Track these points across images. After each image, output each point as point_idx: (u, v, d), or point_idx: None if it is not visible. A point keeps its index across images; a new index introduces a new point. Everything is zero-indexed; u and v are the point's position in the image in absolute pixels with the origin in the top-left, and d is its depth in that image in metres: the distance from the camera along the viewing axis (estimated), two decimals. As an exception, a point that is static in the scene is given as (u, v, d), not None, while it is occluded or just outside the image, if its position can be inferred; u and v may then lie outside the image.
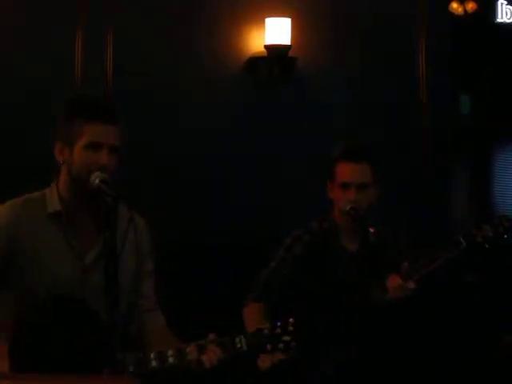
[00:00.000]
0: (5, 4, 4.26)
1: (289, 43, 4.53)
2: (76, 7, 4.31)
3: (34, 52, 4.26)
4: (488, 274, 4.35)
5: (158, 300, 2.73)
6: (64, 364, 2.34)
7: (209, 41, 4.53)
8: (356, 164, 3.20)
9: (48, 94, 4.10)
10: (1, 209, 2.55)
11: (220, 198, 4.44)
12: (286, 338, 2.49)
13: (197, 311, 4.02)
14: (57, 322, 2.38)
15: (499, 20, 5.22)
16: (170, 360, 2.43)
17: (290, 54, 4.56)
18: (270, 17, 4.54)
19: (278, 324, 2.50)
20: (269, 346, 2.50)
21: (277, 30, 4.52)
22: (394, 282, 3.07)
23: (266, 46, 4.53)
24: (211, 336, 2.49)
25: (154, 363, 2.42)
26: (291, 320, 2.50)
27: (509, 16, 5.22)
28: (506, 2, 5.22)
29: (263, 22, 4.55)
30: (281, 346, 2.49)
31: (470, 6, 5.06)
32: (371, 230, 3.07)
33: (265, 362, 2.97)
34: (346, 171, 3.20)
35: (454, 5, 5.06)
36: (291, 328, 2.49)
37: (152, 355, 2.42)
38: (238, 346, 2.48)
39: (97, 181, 2.44)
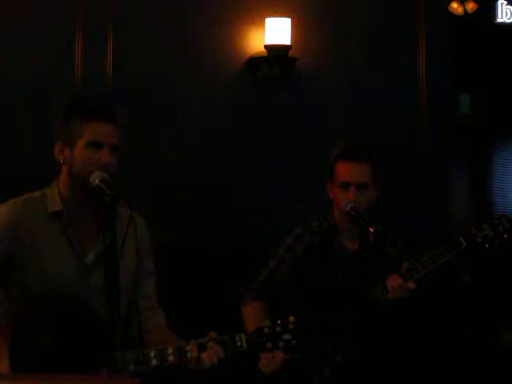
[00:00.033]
0: (4, 4, 4.26)
1: (289, 43, 4.53)
2: (76, 6, 4.31)
3: (33, 52, 4.25)
4: (487, 273, 4.35)
5: (158, 300, 2.73)
6: (63, 364, 2.34)
7: (209, 40, 4.53)
8: (355, 164, 3.20)
9: (48, 94, 4.10)
10: (1, 208, 2.56)
11: (220, 198, 4.44)
12: (287, 336, 2.49)
13: (196, 311, 4.02)
14: (56, 321, 2.38)
15: (499, 20, 5.22)
16: (170, 358, 2.43)
17: (290, 53, 4.56)
18: (270, 17, 4.54)
19: (279, 322, 2.51)
20: (269, 345, 2.50)
21: (277, 30, 4.52)
22: (393, 282, 3.07)
23: (266, 46, 4.53)
24: (211, 334, 2.49)
25: (154, 361, 2.42)
26: (291, 318, 2.50)
27: (509, 16, 5.22)
28: (505, 2, 5.22)
29: (263, 22, 4.55)
30: (281, 344, 2.50)
31: (470, 6, 5.07)
32: (371, 230, 3.07)
33: (266, 365, 2.97)
34: (346, 171, 3.21)
35: (454, 5, 5.06)
36: (291, 326, 2.50)
37: (152, 353, 2.43)
38: (238, 344, 2.48)
39: (97, 181, 2.45)
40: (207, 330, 2.53)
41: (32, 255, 2.51)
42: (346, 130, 4.51)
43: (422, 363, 3.61)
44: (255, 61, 4.57)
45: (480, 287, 4.00)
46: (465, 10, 5.05)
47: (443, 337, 4.34)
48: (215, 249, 4.34)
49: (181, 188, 4.39)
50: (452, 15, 5.04)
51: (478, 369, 4.27)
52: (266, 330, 2.51)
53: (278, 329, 2.50)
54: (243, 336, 2.49)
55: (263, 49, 4.54)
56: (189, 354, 2.45)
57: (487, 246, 3.14)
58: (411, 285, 3.07)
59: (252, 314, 3.21)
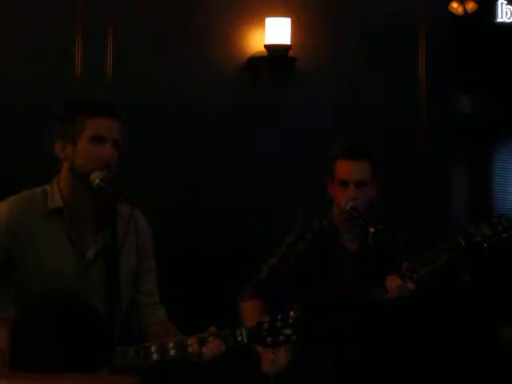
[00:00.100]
0: (4, 4, 4.27)
1: (289, 43, 4.53)
2: (76, 7, 4.31)
3: (33, 52, 4.26)
4: (487, 273, 4.35)
5: (159, 296, 2.74)
6: (63, 363, 2.34)
7: (209, 40, 4.54)
8: (355, 162, 3.22)
9: (48, 94, 4.11)
10: (1, 206, 2.56)
11: (220, 198, 4.44)
12: (287, 331, 2.50)
13: (196, 311, 4.02)
14: (56, 320, 2.38)
15: (499, 20, 5.22)
16: (171, 353, 2.45)
17: (290, 53, 4.56)
18: (269, 16, 4.54)
19: (279, 317, 2.51)
20: (269, 339, 2.51)
21: (277, 30, 4.52)
22: (393, 283, 3.07)
23: (266, 46, 4.53)
24: (211, 328, 2.50)
25: (155, 356, 2.44)
26: (292, 313, 2.51)
27: (509, 16, 5.22)
28: (505, 2, 5.22)
29: (263, 22, 4.55)
30: (281, 338, 2.50)
31: (470, 6, 5.06)
32: (371, 230, 3.07)
33: (268, 367, 2.98)
34: (345, 169, 3.22)
35: (454, 5, 5.06)
36: (292, 321, 2.50)
37: (153, 348, 2.44)
38: (239, 338, 2.50)
39: (97, 180, 2.46)
40: (205, 327, 2.53)
41: (32, 252, 2.51)
42: (346, 130, 4.51)
43: (421, 362, 3.61)
44: (255, 61, 4.57)
45: (480, 286, 4.00)
46: (465, 10, 5.05)
47: (443, 336, 4.34)
48: (215, 249, 4.35)
49: (181, 188, 4.40)
50: (452, 15, 5.04)
51: (477, 367, 4.28)
52: (266, 324, 2.51)
53: (279, 324, 2.51)
54: (244, 330, 2.51)
55: (263, 49, 4.54)
56: (190, 349, 2.46)
57: (485, 245, 3.14)
58: (410, 285, 3.07)
59: (251, 311, 3.22)
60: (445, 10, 5.00)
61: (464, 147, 5.26)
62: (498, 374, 4.28)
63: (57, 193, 2.57)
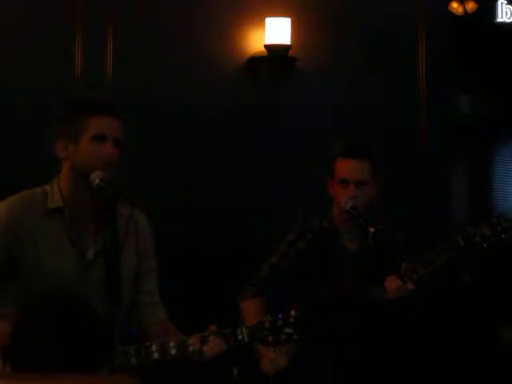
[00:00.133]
0: (4, 4, 4.27)
1: (289, 43, 4.53)
2: (76, 7, 4.31)
3: (33, 52, 4.26)
4: (487, 273, 4.35)
5: (160, 296, 2.74)
6: (63, 363, 2.34)
7: (209, 40, 4.54)
8: (355, 161, 3.22)
9: (48, 94, 4.11)
10: (1, 205, 2.57)
11: (220, 198, 4.44)
12: (288, 330, 2.50)
13: (196, 311, 4.02)
14: (56, 320, 2.38)
15: (499, 20, 5.22)
16: (172, 352, 2.45)
17: (290, 53, 4.56)
18: (270, 17, 4.54)
19: (280, 316, 2.51)
20: (270, 338, 2.51)
21: (277, 30, 4.52)
22: (393, 283, 3.07)
23: (266, 46, 4.53)
24: (212, 327, 2.51)
25: (156, 355, 2.44)
26: (293, 312, 2.51)
27: (509, 16, 5.22)
28: (505, 2, 5.22)
29: (263, 22, 4.55)
30: (283, 337, 2.50)
31: (470, 6, 5.06)
32: (371, 230, 3.07)
33: (268, 366, 2.98)
34: (345, 168, 3.23)
35: (454, 5, 5.06)
36: (293, 320, 2.50)
37: (154, 347, 2.45)
38: (240, 337, 2.50)
39: (97, 180, 2.46)
40: (206, 326, 2.54)
41: (32, 251, 2.51)
42: (346, 130, 4.51)
43: (421, 362, 3.61)
44: (255, 61, 4.57)
45: (480, 287, 4.00)
46: (465, 10, 5.05)
47: (443, 336, 4.34)
48: (215, 249, 4.35)
49: (181, 188, 4.40)
50: (452, 15, 5.04)
51: (477, 367, 4.28)
52: (267, 323, 2.52)
53: (280, 323, 2.51)
54: (244, 329, 2.51)
55: (263, 49, 4.54)
56: (191, 348, 2.46)
57: (485, 245, 3.14)
58: (410, 286, 3.07)
59: (251, 310, 3.22)
60: (445, 10, 5.00)
61: (464, 147, 5.26)
62: (498, 373, 4.28)
63: (57, 192, 2.57)
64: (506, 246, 3.20)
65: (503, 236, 3.15)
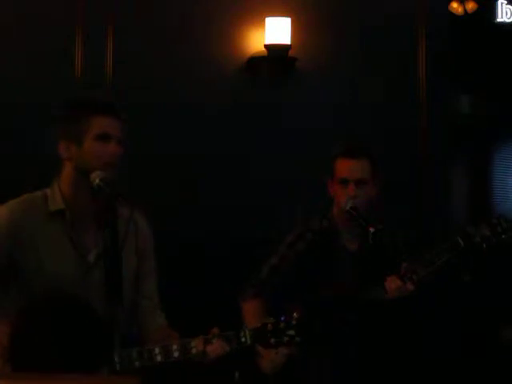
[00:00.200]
0: (4, 4, 4.27)
1: (289, 43, 4.53)
2: (76, 7, 4.31)
3: (33, 52, 4.26)
4: (487, 273, 4.35)
5: (159, 300, 2.74)
6: (64, 363, 2.34)
7: (209, 40, 4.54)
8: (355, 160, 3.22)
9: (48, 94, 4.11)
10: (2, 209, 2.56)
11: (220, 198, 4.44)
12: (291, 332, 2.50)
13: (196, 311, 4.03)
14: (56, 321, 2.39)
15: (499, 20, 5.22)
16: (175, 354, 2.45)
17: (290, 53, 4.56)
18: (269, 16, 4.55)
19: (282, 319, 2.52)
20: (273, 340, 2.51)
21: (277, 30, 4.52)
22: (393, 283, 3.07)
23: (266, 46, 4.53)
24: (214, 330, 2.51)
25: (158, 358, 2.44)
26: (295, 315, 2.51)
27: (509, 16, 5.22)
28: (505, 2, 5.22)
29: (263, 22, 4.55)
30: (285, 339, 2.51)
31: (470, 6, 5.06)
32: (371, 230, 3.07)
33: (267, 365, 2.98)
34: (345, 167, 3.23)
35: (454, 5, 5.06)
36: (295, 322, 2.50)
37: (157, 350, 2.45)
38: (243, 339, 2.50)
39: (97, 180, 2.46)
40: (208, 329, 2.53)
41: (33, 255, 2.51)
42: (346, 130, 4.51)
43: (420, 362, 3.61)
44: (255, 60, 4.57)
45: (480, 286, 4.00)
46: (465, 10, 5.05)
47: (443, 336, 4.34)
48: (215, 249, 4.35)
49: (181, 188, 4.40)
50: (452, 15, 5.04)
51: (477, 366, 4.28)
52: (269, 326, 2.52)
53: (282, 325, 2.52)
54: (247, 332, 2.51)
55: (263, 48, 4.54)
56: (193, 350, 2.46)
57: (485, 246, 3.14)
58: (410, 286, 3.07)
59: (252, 311, 3.22)
60: (445, 10, 5.00)
61: (464, 147, 5.26)
62: (498, 373, 4.28)
63: (58, 195, 2.57)
64: (506, 246, 3.20)
65: (503, 236, 3.15)
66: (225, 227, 4.39)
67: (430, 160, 4.74)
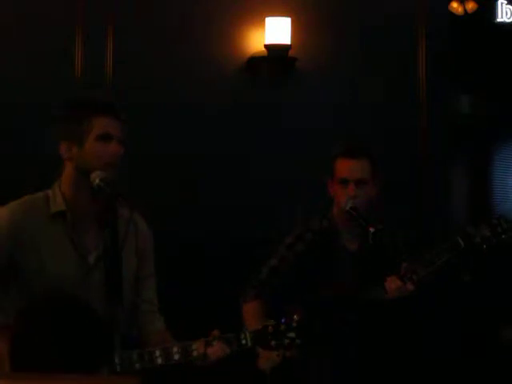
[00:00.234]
0: (4, 4, 4.27)
1: (289, 43, 4.53)
2: (76, 7, 4.31)
3: (33, 52, 4.26)
4: (487, 273, 4.35)
5: (158, 302, 2.73)
6: (64, 363, 2.34)
7: (209, 40, 4.54)
8: (354, 160, 3.22)
9: (48, 94, 4.11)
10: (3, 210, 2.56)
11: (220, 198, 4.44)
12: (291, 334, 2.50)
13: (196, 311, 4.03)
14: (56, 321, 2.39)
15: (499, 20, 5.21)
16: (176, 357, 2.45)
17: (290, 53, 4.56)
18: (269, 16, 4.55)
19: (283, 321, 2.52)
20: (273, 343, 2.51)
21: (277, 30, 4.52)
22: (393, 283, 3.07)
23: (266, 46, 4.53)
24: (215, 332, 2.51)
25: (159, 360, 2.44)
26: (295, 317, 2.51)
27: (509, 16, 5.21)
28: (505, 2, 5.21)
29: (263, 22, 4.55)
30: (286, 341, 2.51)
31: (470, 6, 5.06)
32: (371, 230, 3.07)
33: (265, 363, 2.98)
34: (345, 167, 3.23)
35: (454, 5, 5.06)
36: (295, 325, 2.50)
37: (157, 352, 2.45)
38: (243, 341, 2.50)
39: (97, 180, 2.46)
40: (207, 330, 2.54)
41: (34, 256, 2.51)
42: (346, 130, 4.51)
43: (420, 362, 3.61)
44: (255, 60, 4.57)
45: (480, 286, 4.00)
46: (465, 10, 5.05)
47: (443, 336, 4.34)
48: (215, 249, 4.35)
49: (181, 188, 4.40)
50: (452, 15, 5.03)
51: (477, 367, 4.27)
52: (270, 328, 2.52)
53: (283, 327, 2.52)
54: (248, 334, 2.52)
55: (263, 48, 4.54)
56: (194, 353, 2.46)
57: (485, 246, 3.14)
58: (410, 286, 3.07)
59: (252, 312, 3.22)
60: (445, 10, 5.00)
61: (464, 147, 5.26)
62: (498, 373, 4.27)
63: (59, 196, 2.57)
64: (506, 246, 3.20)
65: (503, 237, 3.15)
66: (225, 227, 4.39)
67: (430, 160, 4.74)
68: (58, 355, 2.35)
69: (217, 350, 2.47)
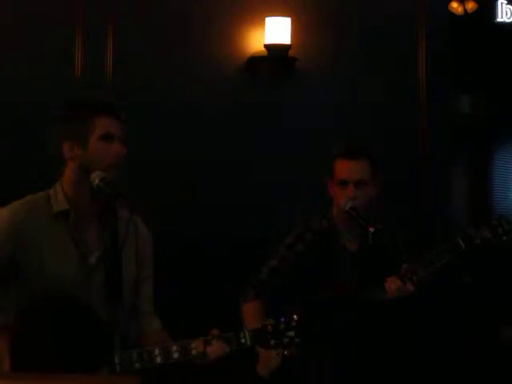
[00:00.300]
0: (4, 4, 4.27)
1: (289, 43, 4.53)
2: (76, 7, 4.31)
3: (34, 52, 4.26)
4: (487, 273, 4.35)
5: (157, 303, 2.74)
6: (63, 363, 2.34)
7: (209, 40, 4.54)
8: (354, 161, 3.22)
9: (48, 93, 4.11)
10: (4, 211, 2.56)
11: (220, 198, 4.44)
12: (291, 333, 2.51)
13: (196, 311, 4.03)
14: (56, 321, 2.39)
15: (499, 20, 5.21)
16: (175, 355, 2.45)
17: (290, 53, 4.56)
18: (269, 16, 4.55)
19: (282, 320, 2.52)
20: (273, 342, 2.51)
21: (277, 30, 4.52)
22: (393, 284, 3.07)
23: (266, 46, 4.53)
24: (214, 331, 2.51)
25: (158, 359, 2.44)
26: (295, 316, 2.51)
27: (509, 16, 5.22)
28: (505, 2, 5.22)
29: (263, 22, 4.55)
30: (285, 341, 2.51)
31: (470, 6, 5.06)
32: (371, 230, 3.07)
33: (264, 369, 2.98)
34: (344, 168, 3.22)
35: (454, 4, 5.06)
36: (295, 324, 2.51)
37: (156, 351, 2.45)
38: (243, 340, 2.50)
39: (96, 180, 2.46)
40: (207, 330, 2.54)
41: (35, 256, 2.51)
42: (346, 130, 4.51)
43: (420, 362, 3.61)
44: (255, 60, 4.57)
45: (480, 287, 4.00)
46: (465, 10, 5.05)
47: (443, 336, 4.34)
48: (215, 249, 4.35)
49: (181, 188, 4.39)
50: (452, 15, 5.04)
51: (477, 367, 4.28)
52: (269, 327, 2.52)
53: (282, 326, 2.52)
54: (247, 333, 2.52)
55: (263, 48, 4.55)
56: (193, 351, 2.47)
57: (485, 247, 3.13)
58: (410, 287, 3.07)
59: (251, 312, 3.22)
60: (445, 10, 5.00)
61: (464, 147, 5.26)
62: (498, 373, 4.28)
63: (61, 195, 2.57)
64: (506, 246, 3.20)
65: (504, 238, 3.15)
66: (225, 227, 4.39)
67: (430, 160, 4.74)
68: (58, 355, 2.35)
69: (216, 348, 2.47)
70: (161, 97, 4.41)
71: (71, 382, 2.02)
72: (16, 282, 2.52)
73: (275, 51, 4.53)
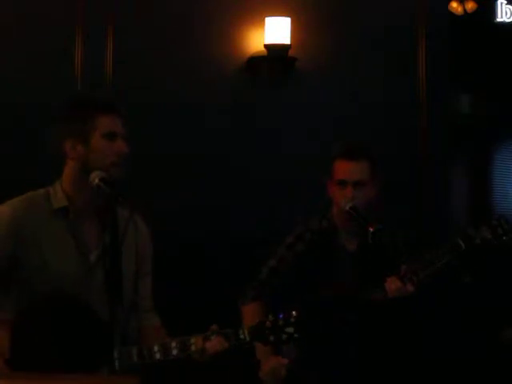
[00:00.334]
0: (4, 4, 4.27)
1: (288, 43, 4.53)
2: (76, 7, 4.31)
3: (34, 52, 4.26)
4: (487, 273, 4.35)
5: (157, 302, 2.74)
6: (64, 363, 2.34)
7: (209, 40, 4.54)
8: (353, 162, 3.22)
9: (48, 93, 4.10)
10: (4, 207, 2.56)
11: (219, 198, 4.44)
12: (289, 329, 2.51)
13: (196, 311, 4.02)
14: (56, 321, 2.39)
15: (499, 20, 5.21)
16: (174, 352, 2.46)
17: (290, 53, 4.56)
18: (269, 16, 4.54)
19: (281, 316, 2.52)
20: (272, 338, 2.51)
21: (277, 30, 4.52)
22: (392, 284, 3.07)
23: (266, 46, 4.53)
24: (213, 327, 2.51)
25: (157, 355, 2.45)
26: (294, 313, 2.52)
27: (509, 16, 5.22)
28: (505, 2, 5.22)
29: (263, 22, 4.55)
30: (284, 337, 2.51)
31: (470, 6, 5.06)
32: (370, 230, 3.07)
33: (267, 375, 2.98)
34: (343, 169, 3.22)
35: (454, 4, 5.06)
36: (293, 320, 2.51)
37: (156, 348, 2.45)
38: (241, 336, 2.51)
39: (96, 180, 2.46)
40: (206, 327, 2.54)
41: (36, 253, 2.51)
42: (346, 130, 4.51)
43: (421, 363, 3.61)
44: (255, 60, 4.57)
45: (480, 287, 4.00)
46: (465, 10, 5.05)
47: (443, 336, 4.34)
48: (215, 249, 4.35)
49: (181, 188, 4.39)
50: (452, 15, 5.04)
51: (477, 367, 4.28)
52: (268, 323, 2.52)
53: (281, 322, 2.52)
54: (246, 329, 2.52)
55: (263, 48, 4.54)
56: (193, 347, 2.47)
57: (485, 248, 3.13)
58: (410, 287, 3.07)
59: (251, 313, 3.22)
60: (445, 10, 5.00)
61: (464, 147, 5.26)
62: (498, 373, 4.28)
63: (60, 192, 2.57)
64: (506, 246, 3.20)
65: (504, 238, 3.14)
66: (225, 227, 4.39)
67: (430, 160, 4.74)
68: (58, 355, 2.35)
69: (215, 344, 2.48)
70: (161, 97, 4.41)
71: (71, 382, 2.02)
72: (17, 280, 2.52)
73: (275, 51, 4.53)
